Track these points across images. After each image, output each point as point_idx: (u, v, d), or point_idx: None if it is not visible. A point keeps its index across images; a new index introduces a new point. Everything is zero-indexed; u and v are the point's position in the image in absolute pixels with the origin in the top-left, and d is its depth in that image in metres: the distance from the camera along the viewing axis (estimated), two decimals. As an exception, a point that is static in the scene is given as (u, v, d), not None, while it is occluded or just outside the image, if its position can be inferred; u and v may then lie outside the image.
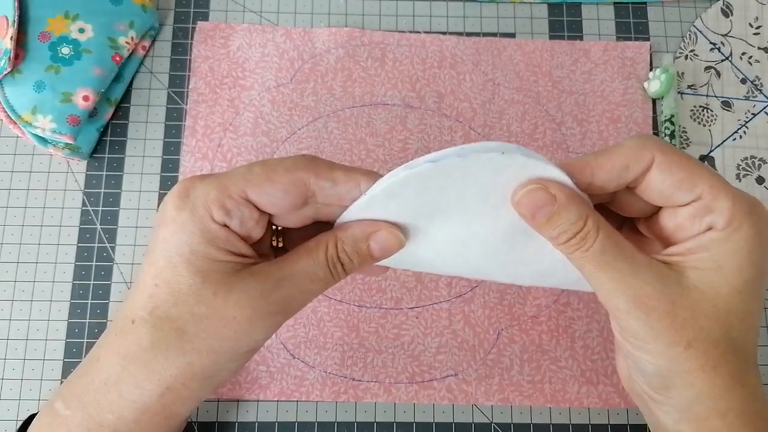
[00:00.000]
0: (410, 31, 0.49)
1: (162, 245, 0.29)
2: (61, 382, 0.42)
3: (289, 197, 0.29)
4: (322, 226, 0.32)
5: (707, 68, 0.48)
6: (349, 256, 0.30)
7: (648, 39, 0.49)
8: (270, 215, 0.31)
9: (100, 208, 0.45)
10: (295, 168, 0.29)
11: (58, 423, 0.31)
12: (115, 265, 0.44)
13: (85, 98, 0.43)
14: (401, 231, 0.30)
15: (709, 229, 0.29)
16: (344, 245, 0.30)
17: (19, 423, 0.42)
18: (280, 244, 0.34)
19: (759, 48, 0.48)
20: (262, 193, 0.29)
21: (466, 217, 0.30)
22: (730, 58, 0.48)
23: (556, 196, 0.28)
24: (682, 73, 0.48)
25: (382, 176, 0.29)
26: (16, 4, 0.42)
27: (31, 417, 0.34)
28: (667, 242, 0.31)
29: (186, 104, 0.47)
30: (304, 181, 0.29)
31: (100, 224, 0.45)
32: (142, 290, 0.29)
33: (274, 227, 0.33)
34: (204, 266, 0.29)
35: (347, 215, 0.30)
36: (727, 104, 0.48)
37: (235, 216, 0.29)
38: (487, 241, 0.31)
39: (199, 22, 0.48)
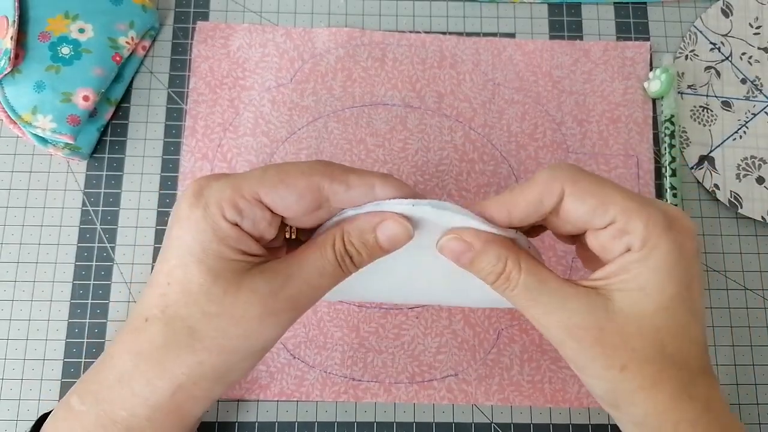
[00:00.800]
0: (410, 31, 0.49)
1: (175, 243, 0.29)
2: (62, 382, 0.42)
3: (304, 201, 0.30)
4: None
5: (707, 68, 0.48)
6: (357, 248, 0.30)
7: (648, 39, 0.49)
8: (283, 217, 0.31)
9: (100, 208, 0.45)
10: (310, 172, 0.29)
11: (73, 418, 0.31)
12: (115, 265, 0.44)
13: (85, 98, 0.43)
14: (409, 221, 0.30)
15: (628, 250, 0.29)
16: (351, 237, 0.30)
17: (26, 422, 0.42)
18: (293, 236, 0.34)
19: (759, 48, 0.48)
20: (276, 195, 0.29)
21: (411, 253, 0.31)
22: (730, 58, 0.48)
23: (472, 243, 0.30)
24: (682, 73, 0.48)
25: (394, 177, 0.30)
26: (16, 4, 0.42)
27: (45, 415, 0.34)
28: (601, 261, 0.31)
29: (186, 104, 0.47)
30: (319, 185, 0.29)
31: (100, 224, 0.45)
32: (156, 288, 0.29)
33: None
34: (215, 265, 0.29)
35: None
36: (727, 104, 0.48)
37: (247, 216, 0.29)
38: (433, 275, 0.33)
39: (199, 22, 0.48)
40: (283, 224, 0.32)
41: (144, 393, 0.30)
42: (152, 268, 0.44)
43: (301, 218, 0.31)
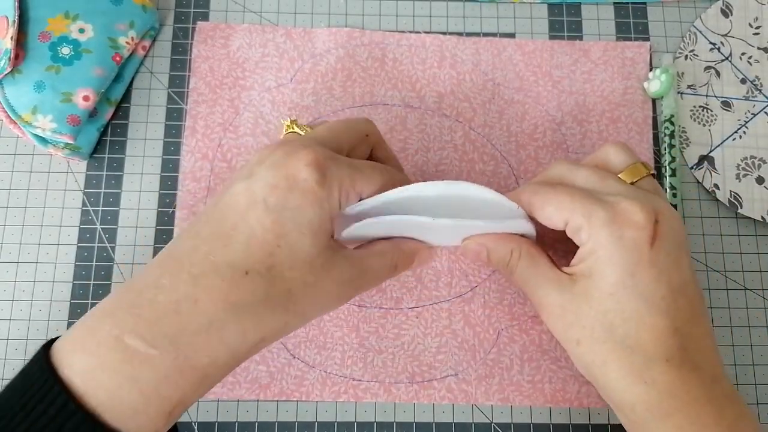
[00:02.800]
0: (410, 31, 0.49)
1: (295, 212, 0.31)
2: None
3: None
4: None
5: (707, 68, 0.48)
6: (402, 264, 0.38)
7: (648, 39, 0.49)
8: None
9: (100, 208, 0.45)
10: (386, 169, 0.36)
11: (140, 362, 0.28)
12: (115, 265, 0.44)
13: (86, 98, 0.43)
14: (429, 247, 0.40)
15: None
16: (403, 255, 0.38)
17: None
18: None
19: (759, 48, 0.48)
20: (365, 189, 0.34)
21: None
22: (729, 58, 0.48)
23: (485, 243, 0.37)
24: (682, 73, 0.48)
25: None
26: (16, 4, 0.42)
27: (50, 343, 0.30)
28: None
29: (186, 104, 0.47)
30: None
31: (100, 224, 0.45)
32: (260, 245, 0.30)
33: None
34: (323, 241, 0.32)
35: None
36: (726, 104, 0.48)
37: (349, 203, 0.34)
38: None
39: (199, 22, 0.48)
40: None
41: (233, 342, 0.30)
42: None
43: None
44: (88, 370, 0.28)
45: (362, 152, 0.38)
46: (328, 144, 0.34)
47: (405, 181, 0.38)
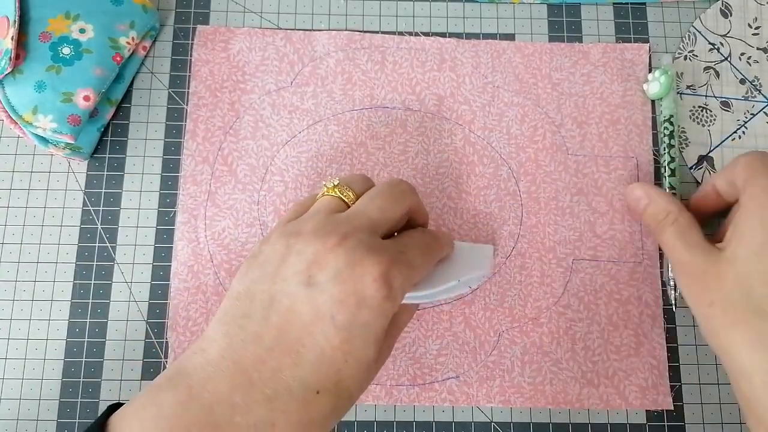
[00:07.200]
0: (410, 34, 0.49)
1: (363, 328, 0.31)
2: (62, 381, 0.42)
3: None
4: None
5: (706, 68, 0.48)
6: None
7: (647, 40, 0.49)
8: None
9: (101, 208, 0.45)
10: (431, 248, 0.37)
11: None
12: (115, 265, 0.44)
13: (86, 98, 0.43)
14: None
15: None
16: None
17: (27, 421, 0.42)
18: None
19: (758, 48, 0.49)
20: None
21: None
22: (729, 59, 0.49)
23: (650, 194, 0.41)
24: (682, 74, 0.48)
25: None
26: (16, 4, 0.42)
27: (111, 409, 0.31)
28: None
29: (186, 104, 0.47)
30: None
31: (101, 224, 0.45)
32: (330, 363, 0.30)
33: None
34: (381, 342, 0.32)
35: None
36: (726, 104, 0.48)
37: None
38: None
39: (199, 26, 0.48)
40: None
41: None
42: (153, 268, 0.44)
43: None
44: None
45: (403, 220, 0.37)
46: (381, 228, 0.34)
47: (443, 245, 0.39)
